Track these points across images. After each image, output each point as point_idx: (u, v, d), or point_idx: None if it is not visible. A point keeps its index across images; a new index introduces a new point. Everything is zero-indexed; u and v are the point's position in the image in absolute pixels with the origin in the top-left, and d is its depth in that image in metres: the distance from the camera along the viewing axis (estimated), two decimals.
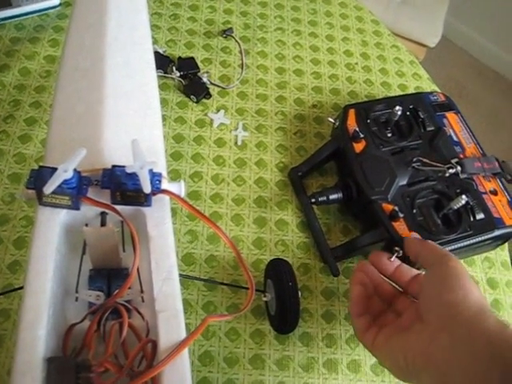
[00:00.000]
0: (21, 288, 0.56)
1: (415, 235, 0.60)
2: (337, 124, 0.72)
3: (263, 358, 0.61)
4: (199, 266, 0.65)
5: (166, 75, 0.79)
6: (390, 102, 0.73)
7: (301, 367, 0.61)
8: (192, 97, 0.78)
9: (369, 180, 0.65)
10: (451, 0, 1.72)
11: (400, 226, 0.63)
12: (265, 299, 0.62)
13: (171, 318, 0.38)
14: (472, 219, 0.64)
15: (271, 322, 0.62)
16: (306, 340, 0.63)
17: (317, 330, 0.64)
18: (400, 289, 0.57)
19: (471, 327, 0.44)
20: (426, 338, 0.47)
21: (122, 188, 0.40)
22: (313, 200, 0.66)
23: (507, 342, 0.41)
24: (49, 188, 0.37)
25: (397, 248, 0.62)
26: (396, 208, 0.63)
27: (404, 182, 0.66)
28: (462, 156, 0.69)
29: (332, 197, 0.67)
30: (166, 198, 0.43)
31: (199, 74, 0.80)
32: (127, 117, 0.47)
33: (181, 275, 0.42)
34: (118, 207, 0.42)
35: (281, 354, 0.61)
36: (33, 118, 0.73)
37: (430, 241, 0.57)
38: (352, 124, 0.70)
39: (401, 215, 0.62)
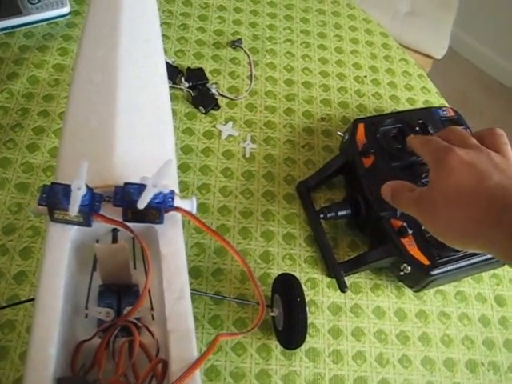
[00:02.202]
0: (28, 301, 0.56)
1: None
2: (346, 138, 0.72)
3: (269, 374, 0.60)
4: (206, 279, 0.65)
5: (175, 86, 0.79)
6: (400, 116, 0.73)
7: (307, 383, 0.61)
8: (200, 108, 0.78)
9: (378, 195, 0.65)
10: (458, 12, 1.72)
11: (408, 243, 0.62)
12: (272, 314, 0.61)
13: (183, 337, 0.38)
14: None
15: (278, 337, 0.61)
16: (312, 355, 0.62)
17: (323, 345, 0.63)
18: None
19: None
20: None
21: (134, 205, 0.40)
22: (321, 215, 0.66)
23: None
24: (74, 210, 0.37)
25: (405, 264, 0.62)
26: (405, 224, 0.63)
27: None
28: None
29: (341, 212, 0.67)
30: (178, 215, 0.43)
31: (208, 84, 0.80)
32: (140, 132, 0.46)
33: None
34: (129, 224, 0.42)
35: (287, 369, 0.61)
36: (41, 127, 0.72)
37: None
38: (361, 138, 0.69)
39: (409, 231, 0.62)
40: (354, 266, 0.67)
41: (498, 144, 0.47)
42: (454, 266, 0.62)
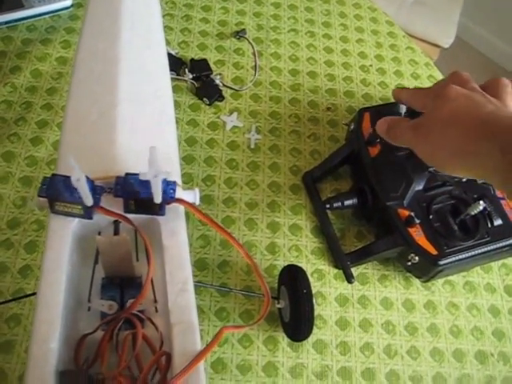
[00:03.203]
0: (32, 294, 0.56)
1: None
2: (351, 127, 0.71)
3: (276, 366, 0.60)
4: (212, 271, 0.64)
5: (179, 77, 0.78)
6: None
7: (314, 375, 0.60)
8: (205, 99, 0.77)
9: (384, 185, 0.64)
10: (465, 0, 1.71)
11: (416, 232, 0.61)
12: (278, 306, 0.61)
13: (186, 330, 0.38)
14: (490, 225, 0.63)
15: (285, 329, 0.61)
16: (319, 347, 0.62)
17: (331, 337, 0.63)
18: None
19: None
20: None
21: (136, 196, 0.40)
22: (327, 206, 0.66)
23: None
24: (88, 200, 0.37)
25: (412, 254, 0.61)
26: (412, 214, 0.62)
27: (420, 187, 0.64)
28: None
29: (347, 202, 0.66)
30: (181, 206, 0.42)
31: (212, 76, 0.79)
32: (141, 123, 0.46)
33: (194, 282, 0.41)
34: (131, 216, 0.41)
35: (294, 361, 0.61)
36: (44, 121, 0.72)
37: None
38: (367, 128, 0.69)
39: (417, 221, 0.61)
40: (360, 256, 0.67)
41: (500, 92, 0.48)
42: (463, 256, 0.61)
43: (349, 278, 0.65)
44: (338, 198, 0.66)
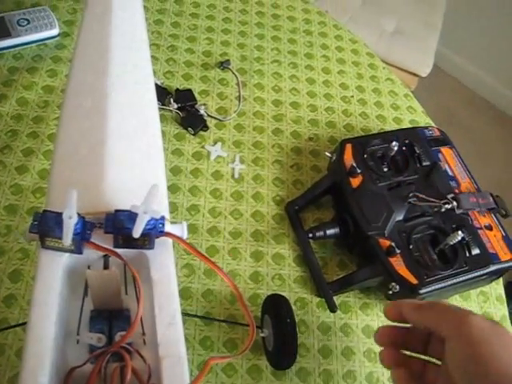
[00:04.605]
0: (18, 325, 0.56)
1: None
2: (333, 158, 0.73)
3: None
4: (196, 300, 0.65)
5: (164, 107, 0.79)
6: (386, 136, 0.74)
7: None
8: (189, 129, 0.78)
9: (366, 215, 0.66)
10: (442, 29, 1.75)
11: (396, 262, 0.63)
12: (262, 335, 0.61)
13: (175, 363, 0.38)
14: (468, 255, 0.65)
15: (268, 357, 0.61)
16: (302, 375, 0.62)
17: (314, 365, 0.63)
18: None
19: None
20: None
21: (125, 232, 0.40)
22: (310, 235, 0.67)
23: None
24: (67, 240, 0.38)
25: (393, 283, 0.63)
26: (393, 244, 0.63)
27: (400, 217, 0.66)
28: (457, 191, 0.70)
29: (329, 232, 0.67)
30: (169, 240, 0.43)
31: (196, 106, 0.81)
32: (130, 158, 0.47)
33: None
34: (120, 250, 0.42)
35: None
36: (30, 149, 0.72)
37: (436, 303, 0.49)
38: (349, 159, 0.70)
39: (397, 251, 0.63)
40: (342, 285, 0.68)
41: None
42: (442, 285, 0.62)
43: (331, 307, 0.66)
44: (320, 227, 0.68)
